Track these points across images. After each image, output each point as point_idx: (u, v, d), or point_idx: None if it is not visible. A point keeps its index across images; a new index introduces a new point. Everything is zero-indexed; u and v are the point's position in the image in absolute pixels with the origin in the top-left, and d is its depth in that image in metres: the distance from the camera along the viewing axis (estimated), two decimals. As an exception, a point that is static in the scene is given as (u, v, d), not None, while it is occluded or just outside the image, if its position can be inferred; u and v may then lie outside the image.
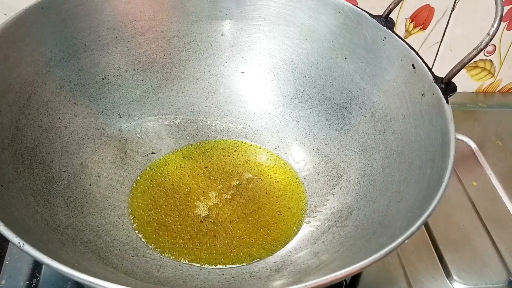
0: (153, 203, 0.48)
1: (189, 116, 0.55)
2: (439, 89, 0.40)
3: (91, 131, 0.49)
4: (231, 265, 0.43)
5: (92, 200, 0.45)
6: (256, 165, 0.52)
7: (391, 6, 0.46)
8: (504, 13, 0.46)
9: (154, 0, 0.50)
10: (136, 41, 0.51)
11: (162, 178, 0.50)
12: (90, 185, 0.46)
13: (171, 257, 0.43)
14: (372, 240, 0.38)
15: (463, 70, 0.43)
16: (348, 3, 0.48)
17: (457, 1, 0.62)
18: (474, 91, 0.74)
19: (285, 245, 0.45)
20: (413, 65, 0.43)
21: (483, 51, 0.38)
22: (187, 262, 0.43)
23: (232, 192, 0.49)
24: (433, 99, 0.40)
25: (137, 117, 0.53)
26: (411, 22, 0.64)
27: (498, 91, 0.75)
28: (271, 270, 0.42)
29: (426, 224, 0.54)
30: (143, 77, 0.53)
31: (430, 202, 0.33)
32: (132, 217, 0.46)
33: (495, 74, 0.72)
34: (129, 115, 0.52)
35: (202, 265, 0.43)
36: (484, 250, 0.52)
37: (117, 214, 0.46)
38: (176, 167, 0.51)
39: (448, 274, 0.49)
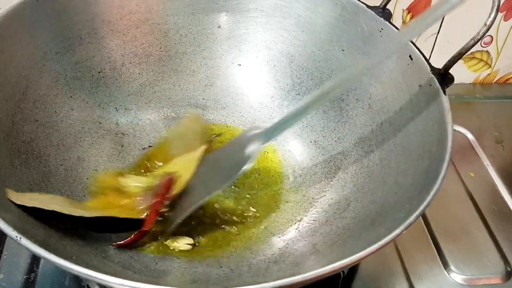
0: (151, 197, 0.47)
1: (186, 109, 0.54)
2: (436, 80, 0.40)
3: (87, 125, 0.49)
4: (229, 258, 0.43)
5: (90, 194, 0.45)
6: (254, 158, 0.52)
7: (388, -3, 0.46)
8: (501, 4, 0.46)
9: (149, -8, 0.50)
10: (132, 34, 0.51)
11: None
12: (87, 178, 0.46)
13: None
14: (370, 232, 0.38)
15: (460, 61, 0.43)
16: (344, -6, 0.48)
17: (454, -8, 0.62)
18: (471, 82, 0.74)
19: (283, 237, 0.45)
20: (410, 56, 0.43)
21: (480, 41, 0.38)
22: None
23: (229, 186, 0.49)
24: (430, 90, 0.40)
25: (134, 110, 0.52)
26: (408, 13, 0.64)
27: (495, 82, 0.75)
28: (269, 262, 0.42)
29: (423, 215, 0.54)
30: (139, 70, 0.52)
31: (427, 193, 0.34)
32: (129, 211, 0.46)
33: (492, 65, 0.72)
34: (125, 109, 0.52)
35: (201, 257, 0.43)
36: (482, 241, 0.52)
37: (114, 208, 0.46)
38: (174, 161, 0.51)
39: (445, 265, 0.50)
